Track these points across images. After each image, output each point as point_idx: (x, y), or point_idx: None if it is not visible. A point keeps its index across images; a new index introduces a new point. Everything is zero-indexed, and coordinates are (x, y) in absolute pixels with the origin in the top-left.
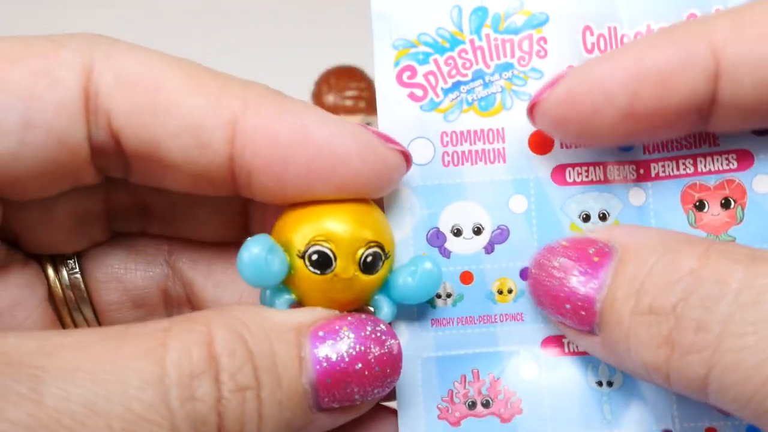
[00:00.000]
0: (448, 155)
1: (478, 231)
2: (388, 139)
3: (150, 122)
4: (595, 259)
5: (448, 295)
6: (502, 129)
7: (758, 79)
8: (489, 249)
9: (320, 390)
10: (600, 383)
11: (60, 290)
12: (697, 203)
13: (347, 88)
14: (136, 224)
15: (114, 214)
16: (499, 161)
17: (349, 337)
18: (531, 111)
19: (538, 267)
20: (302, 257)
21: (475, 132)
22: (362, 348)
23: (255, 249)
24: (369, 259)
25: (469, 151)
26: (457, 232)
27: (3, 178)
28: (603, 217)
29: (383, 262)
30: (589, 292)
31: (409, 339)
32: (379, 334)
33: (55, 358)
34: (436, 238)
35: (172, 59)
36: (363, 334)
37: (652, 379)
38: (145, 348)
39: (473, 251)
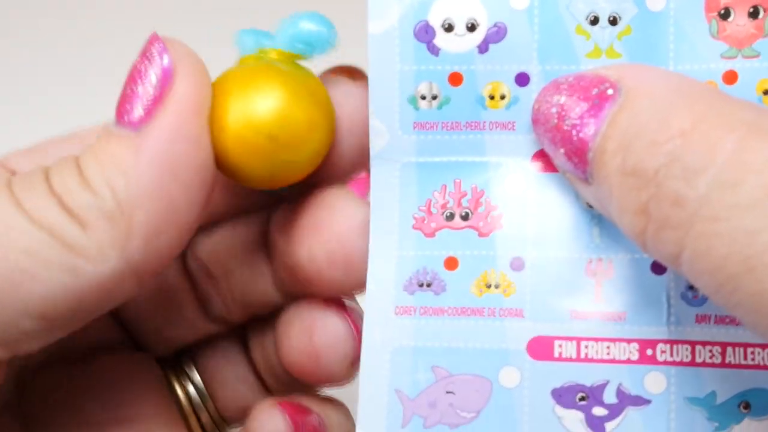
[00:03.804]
0: None
1: (472, 27)
2: None
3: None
4: (596, 102)
5: (434, 97)
6: None
7: None
8: (483, 48)
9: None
10: (591, 204)
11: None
12: (722, 11)
13: None
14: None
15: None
16: None
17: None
18: None
19: (539, 102)
20: None
21: None
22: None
23: None
24: None
25: None
26: (449, 28)
27: None
28: (613, 21)
29: None
30: (583, 138)
31: (390, 142)
32: None
33: None
34: (424, 33)
35: None
36: None
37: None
38: None
39: (465, 49)
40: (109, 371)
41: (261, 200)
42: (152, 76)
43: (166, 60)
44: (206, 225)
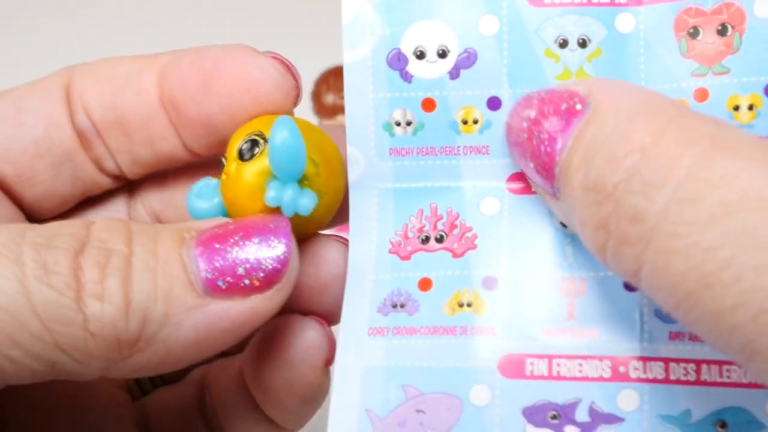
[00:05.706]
0: None
1: (443, 54)
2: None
3: (113, 96)
4: (565, 117)
5: (408, 123)
6: None
7: None
8: (454, 74)
9: (200, 258)
10: (565, 224)
11: None
12: (692, 30)
13: None
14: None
15: None
16: None
17: (231, 227)
18: None
19: (512, 116)
20: None
21: None
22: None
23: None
24: (244, 146)
25: None
26: (421, 55)
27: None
28: (583, 44)
29: (261, 146)
30: (551, 153)
31: (366, 168)
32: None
33: None
34: (397, 61)
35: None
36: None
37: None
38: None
39: (437, 76)
40: None
41: None
42: (265, 260)
43: (283, 251)
44: None
